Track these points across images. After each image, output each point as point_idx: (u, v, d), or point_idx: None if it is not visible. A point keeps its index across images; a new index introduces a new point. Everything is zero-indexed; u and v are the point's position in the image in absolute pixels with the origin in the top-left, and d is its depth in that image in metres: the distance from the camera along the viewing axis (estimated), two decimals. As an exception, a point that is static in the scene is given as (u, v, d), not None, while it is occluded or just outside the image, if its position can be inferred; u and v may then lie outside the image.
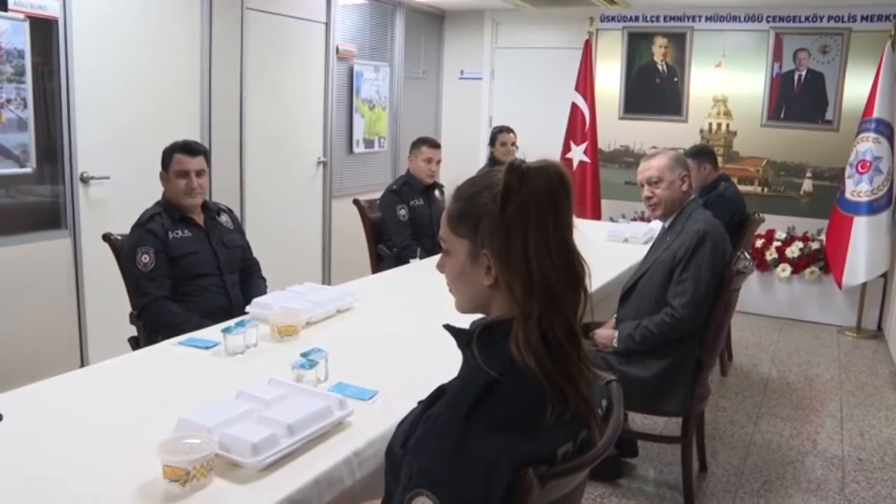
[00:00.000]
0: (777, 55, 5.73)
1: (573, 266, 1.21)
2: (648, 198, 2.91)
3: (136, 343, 2.89)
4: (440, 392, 1.24)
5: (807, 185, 5.77)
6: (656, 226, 4.61)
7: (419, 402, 1.29)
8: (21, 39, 3.27)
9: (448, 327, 1.30)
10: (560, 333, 1.18)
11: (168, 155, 2.90)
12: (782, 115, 5.77)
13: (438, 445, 1.14)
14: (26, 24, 3.29)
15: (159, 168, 2.93)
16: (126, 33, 3.86)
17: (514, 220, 1.19)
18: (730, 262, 2.78)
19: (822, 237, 5.64)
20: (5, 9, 3.18)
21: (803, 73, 5.67)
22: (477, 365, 1.18)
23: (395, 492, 1.20)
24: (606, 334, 2.90)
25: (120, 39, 3.83)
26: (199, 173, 2.91)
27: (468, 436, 1.11)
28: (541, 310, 1.18)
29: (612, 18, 6.22)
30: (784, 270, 5.74)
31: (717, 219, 2.89)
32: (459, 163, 5.77)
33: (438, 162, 4.28)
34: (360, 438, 1.65)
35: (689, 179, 2.90)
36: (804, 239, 5.74)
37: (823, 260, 5.62)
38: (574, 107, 6.15)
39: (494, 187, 1.23)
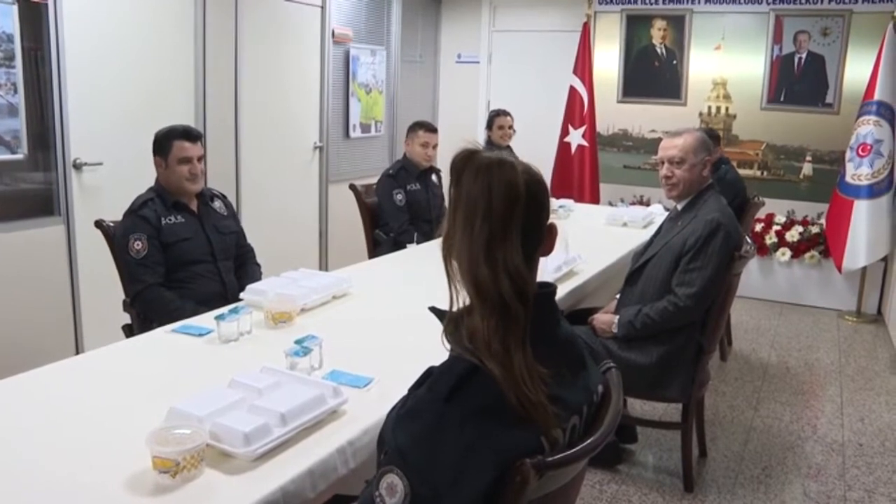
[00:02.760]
0: (777, 37, 5.67)
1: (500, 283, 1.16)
2: (668, 177, 2.85)
3: (130, 331, 2.86)
4: (428, 373, 1.21)
5: (807, 168, 5.73)
6: (655, 210, 4.61)
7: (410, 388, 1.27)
8: (10, 23, 3.22)
9: (433, 310, 1.28)
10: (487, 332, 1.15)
11: (165, 141, 2.85)
12: (782, 98, 5.73)
13: (415, 425, 1.12)
14: (15, 7, 3.23)
15: (152, 154, 2.89)
16: (119, 18, 3.80)
17: (456, 205, 1.19)
18: (739, 249, 2.74)
19: (822, 221, 5.62)
20: (-7, -9, 3.13)
21: (804, 55, 5.62)
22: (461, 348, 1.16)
23: None
24: (605, 319, 2.87)
25: (112, 24, 3.77)
26: (199, 159, 2.90)
27: (445, 419, 1.09)
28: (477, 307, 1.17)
29: (611, 1, 6.16)
30: (784, 254, 5.72)
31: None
32: (456, 147, 5.71)
33: (435, 146, 4.25)
34: (354, 427, 1.63)
35: (710, 164, 2.85)
36: (804, 223, 5.71)
37: (823, 244, 5.60)
38: (572, 90, 6.10)
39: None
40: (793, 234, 5.69)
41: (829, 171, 5.61)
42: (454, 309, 1.20)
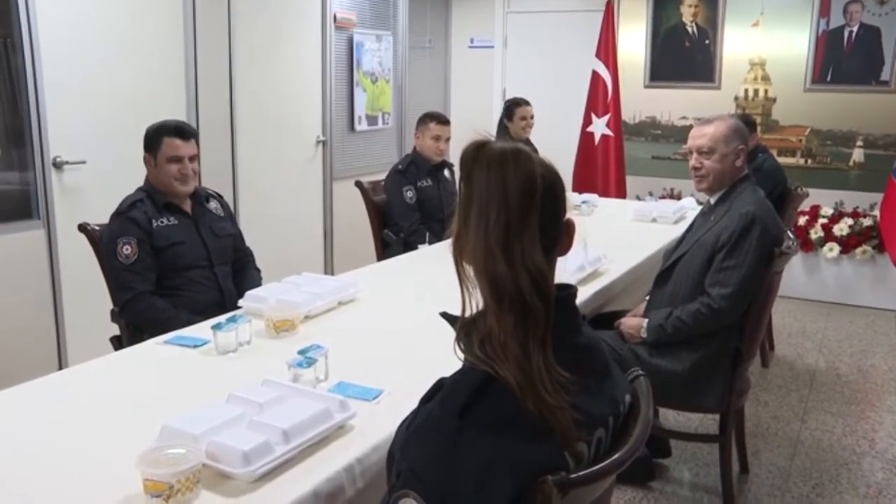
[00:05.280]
0: (824, 10, 5.63)
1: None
2: (696, 168, 2.87)
3: (118, 343, 2.88)
4: (439, 385, 1.22)
5: (857, 154, 5.69)
6: (687, 204, 4.59)
7: (420, 400, 1.27)
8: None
9: (445, 315, 1.29)
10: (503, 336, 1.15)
11: (155, 137, 2.88)
12: (829, 78, 5.69)
13: (429, 444, 1.13)
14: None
15: (141, 151, 2.91)
16: (100, 3, 3.82)
17: (468, 202, 1.19)
18: (780, 245, 2.73)
19: (876, 212, 5.57)
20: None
21: (855, 28, 5.57)
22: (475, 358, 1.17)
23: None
24: (634, 323, 2.86)
25: (92, 10, 3.78)
26: (192, 158, 2.91)
27: (461, 435, 1.10)
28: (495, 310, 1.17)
29: (637, -24, 6.16)
30: (832, 250, 5.68)
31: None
32: (470, 140, 5.73)
33: (448, 139, 4.26)
34: (363, 443, 1.64)
35: (745, 154, 2.85)
36: (854, 215, 5.67)
37: (877, 238, 5.56)
38: (595, 75, 6.10)
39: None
40: (841, 228, 5.65)
41: (883, 157, 5.57)
42: (467, 314, 1.21)
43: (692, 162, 2.88)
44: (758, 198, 2.79)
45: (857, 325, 5.30)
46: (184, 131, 2.92)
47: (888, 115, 5.52)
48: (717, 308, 2.67)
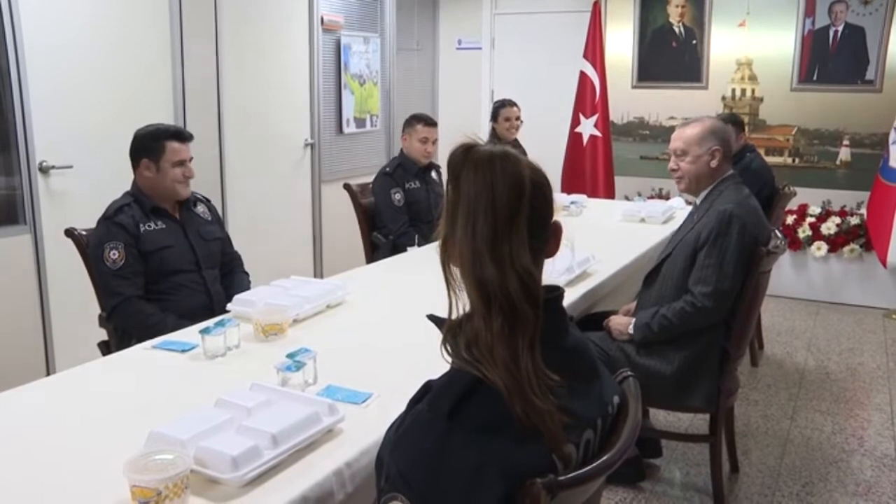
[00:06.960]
0: (809, 10, 5.65)
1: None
2: (674, 170, 2.94)
3: (106, 348, 2.88)
4: (427, 388, 1.22)
5: (844, 153, 5.71)
6: (675, 203, 4.61)
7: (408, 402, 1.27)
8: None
9: (432, 318, 1.28)
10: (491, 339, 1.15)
11: (155, 143, 2.86)
12: (815, 78, 5.71)
13: (417, 446, 1.13)
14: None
15: (127, 155, 2.89)
16: (85, 4, 3.81)
17: (455, 204, 1.19)
18: (766, 244, 2.75)
19: (863, 211, 5.60)
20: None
21: (840, 28, 5.59)
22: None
23: None
24: (622, 321, 2.88)
25: (78, 14, 3.77)
26: (191, 160, 2.94)
27: (449, 437, 1.10)
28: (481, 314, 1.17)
29: (624, -23, 6.18)
30: (819, 249, 5.71)
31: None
32: (458, 142, 5.72)
33: (435, 141, 4.26)
34: (352, 447, 1.63)
35: (720, 154, 2.87)
36: (842, 213, 5.70)
37: (864, 236, 5.59)
38: (583, 76, 6.11)
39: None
40: (829, 227, 5.68)
41: (869, 156, 5.59)
42: (454, 317, 1.21)
43: (670, 164, 2.97)
44: (739, 196, 2.81)
45: (845, 324, 5.33)
46: (183, 135, 2.95)
47: (874, 114, 5.54)
48: (701, 307, 2.69)
